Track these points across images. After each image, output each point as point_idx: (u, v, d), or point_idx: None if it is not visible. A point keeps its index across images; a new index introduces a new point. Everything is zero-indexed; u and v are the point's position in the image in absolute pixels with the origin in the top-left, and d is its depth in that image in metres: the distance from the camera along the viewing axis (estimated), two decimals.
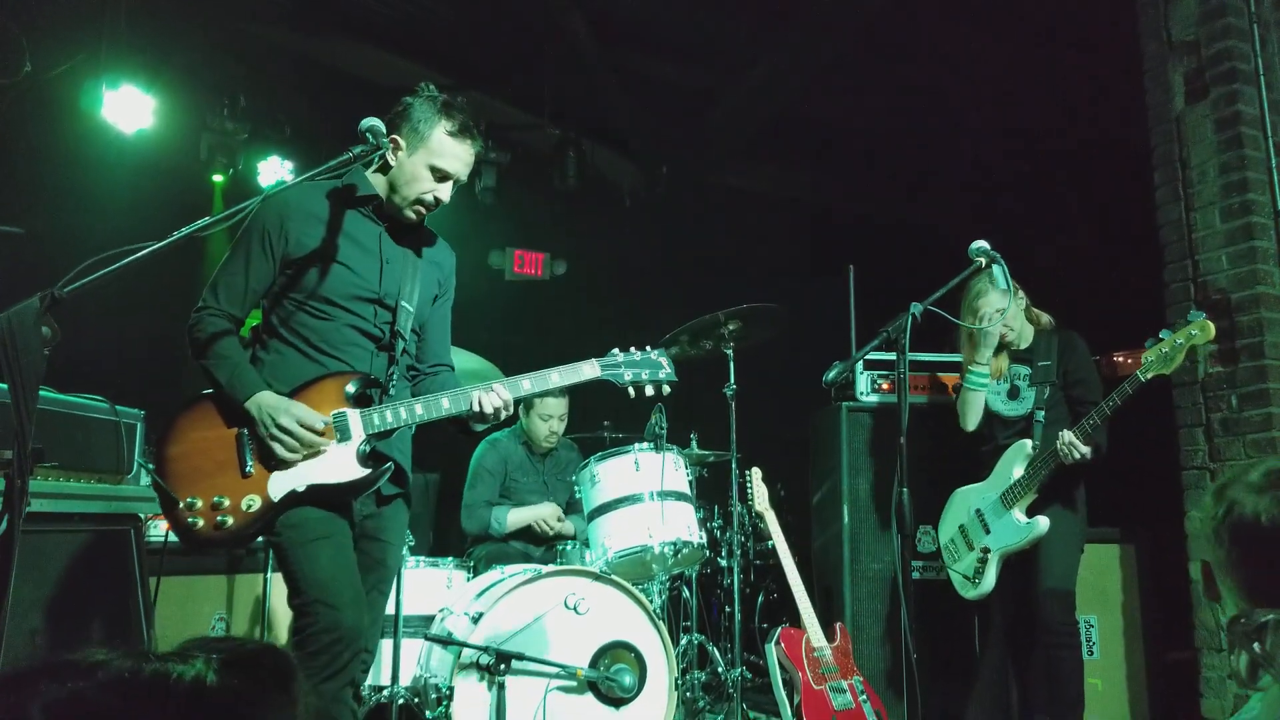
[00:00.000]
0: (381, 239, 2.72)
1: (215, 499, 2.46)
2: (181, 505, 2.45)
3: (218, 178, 6.23)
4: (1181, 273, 4.23)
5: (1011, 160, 6.56)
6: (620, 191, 7.64)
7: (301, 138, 6.35)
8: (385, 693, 3.74)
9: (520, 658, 3.36)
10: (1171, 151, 4.31)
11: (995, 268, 3.30)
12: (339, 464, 2.53)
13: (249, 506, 2.46)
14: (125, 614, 3.29)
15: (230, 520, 2.45)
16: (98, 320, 4.58)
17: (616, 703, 3.56)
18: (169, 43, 5.68)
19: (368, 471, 2.55)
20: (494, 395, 2.62)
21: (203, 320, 2.58)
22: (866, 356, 4.04)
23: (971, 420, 4.16)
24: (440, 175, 2.67)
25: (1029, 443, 3.89)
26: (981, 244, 3.26)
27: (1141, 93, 4.44)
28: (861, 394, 4.87)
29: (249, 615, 4.19)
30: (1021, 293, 4.05)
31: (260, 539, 2.57)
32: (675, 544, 3.86)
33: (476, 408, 2.61)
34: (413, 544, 4.01)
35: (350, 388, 2.58)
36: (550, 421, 4.84)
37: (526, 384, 2.72)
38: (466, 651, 3.40)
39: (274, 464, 2.49)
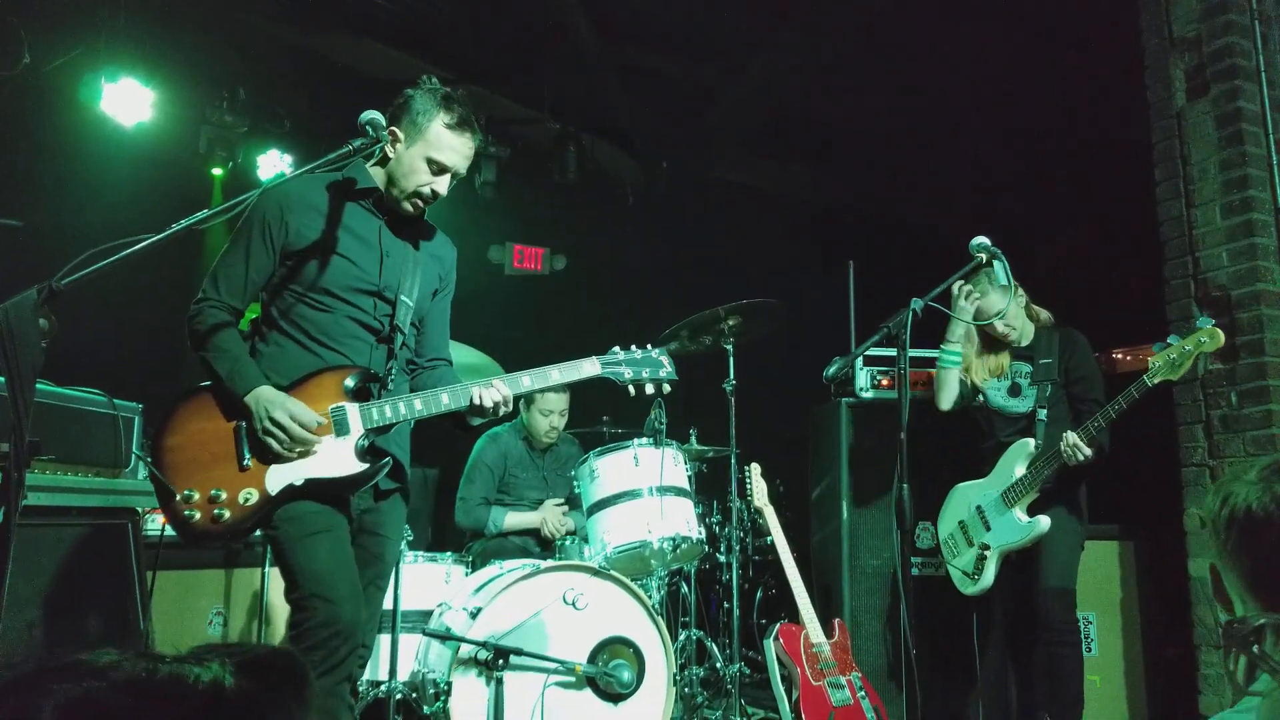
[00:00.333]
0: (381, 232, 2.71)
1: (212, 492, 2.44)
2: (178, 498, 2.43)
3: (217, 171, 6.21)
4: (1182, 269, 4.23)
5: (1011, 156, 6.55)
6: (619, 187, 7.63)
7: (301, 131, 6.34)
8: (383, 688, 3.73)
9: (518, 653, 3.35)
10: (1172, 148, 4.30)
11: (996, 264, 3.30)
12: (337, 458, 2.52)
13: (246, 500, 2.45)
14: (122, 608, 3.28)
15: (227, 513, 2.44)
16: (97, 313, 4.58)
17: (615, 698, 3.56)
18: (168, 36, 5.66)
19: (366, 466, 2.54)
20: (493, 391, 2.62)
21: (203, 312, 2.57)
22: (866, 352, 4.04)
23: (944, 399, 4.15)
24: (438, 168, 2.65)
25: (1031, 441, 3.88)
26: (982, 240, 3.26)
27: (1142, 90, 4.44)
28: (861, 390, 4.86)
29: (247, 610, 4.19)
30: (1021, 290, 4.04)
31: (258, 533, 2.56)
32: (674, 539, 3.85)
33: (476, 402, 2.61)
34: (411, 539, 4.01)
35: (349, 382, 2.57)
36: (551, 417, 4.84)
37: (526, 380, 2.72)
38: (465, 647, 3.39)
39: (271, 457, 2.48)
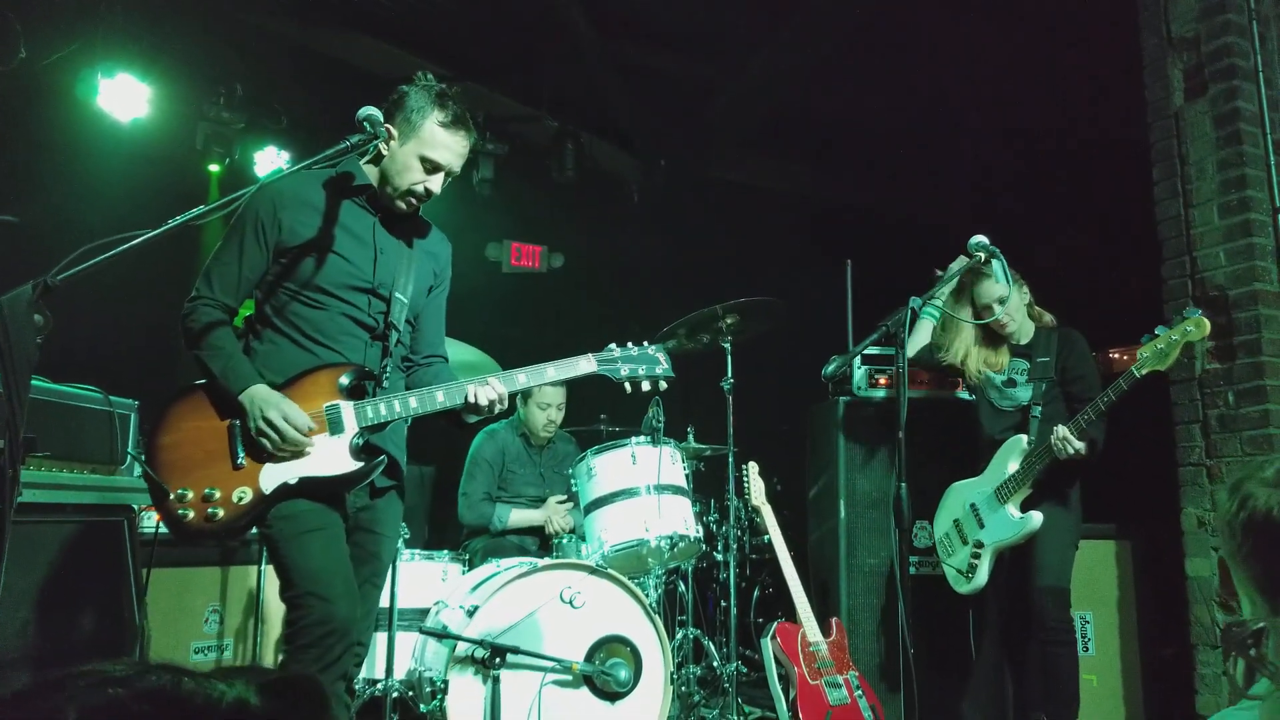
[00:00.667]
0: (376, 229, 2.70)
1: (206, 490, 2.44)
2: (172, 496, 2.43)
3: (214, 167, 6.20)
4: (1179, 269, 4.23)
5: (1009, 155, 6.55)
6: (617, 184, 7.62)
7: (298, 128, 6.32)
8: (380, 686, 3.73)
9: (515, 651, 3.35)
10: (1170, 148, 4.30)
11: (994, 262, 3.31)
12: (332, 457, 2.52)
13: (240, 498, 2.44)
14: (118, 605, 3.27)
15: (221, 512, 2.43)
16: (94, 310, 4.56)
17: (612, 697, 3.56)
18: (165, 31, 5.64)
19: (360, 464, 2.54)
20: (489, 389, 2.61)
21: (196, 310, 2.56)
22: (864, 351, 4.05)
23: (912, 346, 4.11)
24: (431, 167, 2.64)
25: (1024, 437, 3.89)
26: (980, 239, 3.27)
27: (1141, 90, 4.43)
28: (859, 388, 4.86)
29: (243, 607, 4.18)
30: (1026, 288, 4.05)
31: (254, 530, 2.55)
32: (671, 538, 3.85)
33: (471, 400, 2.60)
34: (408, 537, 4.00)
35: (344, 380, 2.56)
36: (548, 410, 4.84)
37: (522, 378, 2.71)
38: (461, 645, 3.39)
39: (266, 456, 2.48)
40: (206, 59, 5.96)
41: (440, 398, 2.60)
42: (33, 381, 1.91)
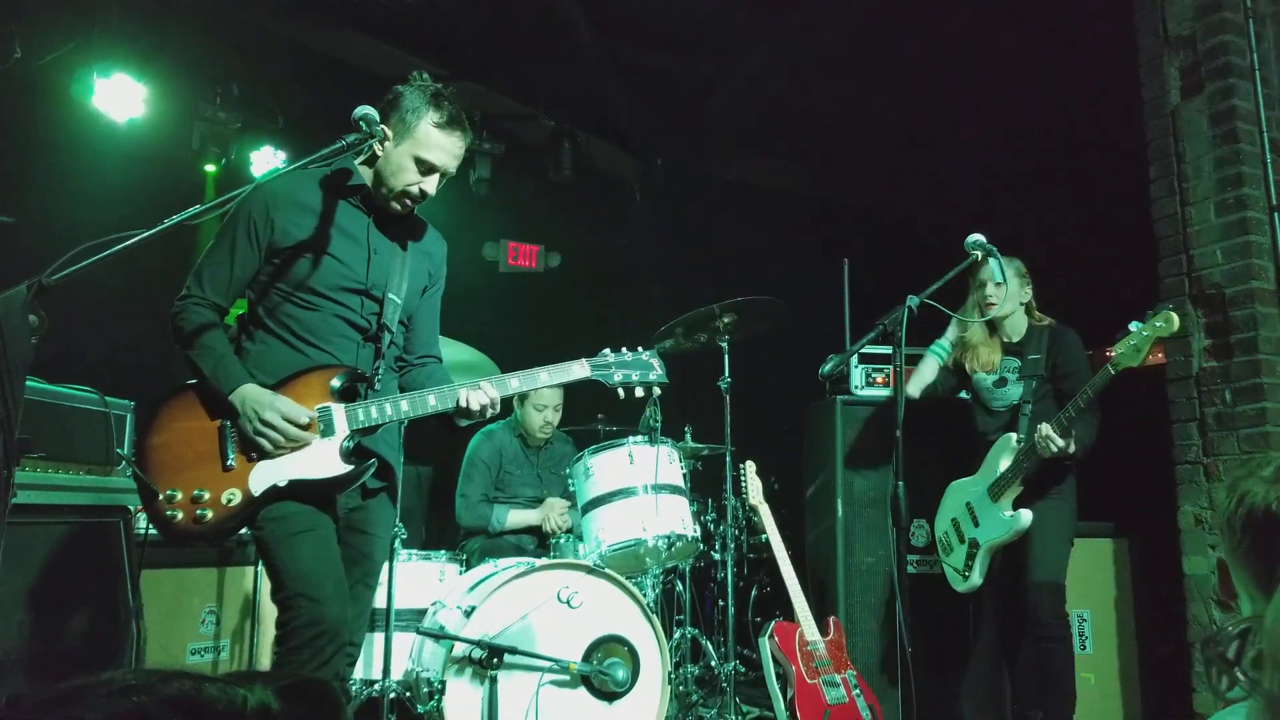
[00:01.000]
0: (369, 229, 2.68)
1: (195, 492, 2.43)
2: (161, 497, 2.42)
3: (210, 168, 6.18)
4: (1176, 267, 4.23)
5: (1007, 154, 6.55)
6: (615, 183, 7.62)
7: (295, 128, 6.31)
8: (377, 687, 3.72)
9: (513, 652, 3.34)
10: (1167, 146, 4.30)
11: (991, 260, 3.31)
12: (322, 459, 2.51)
13: (229, 500, 2.44)
14: (114, 606, 3.27)
15: (209, 514, 2.42)
16: (90, 310, 4.56)
17: (610, 697, 3.55)
18: (161, 30, 5.63)
19: (350, 468, 2.53)
20: (480, 393, 2.60)
21: (187, 310, 2.55)
22: (862, 350, 4.05)
23: (914, 386, 4.22)
24: (426, 168, 2.62)
25: (1014, 435, 3.91)
26: (978, 237, 3.27)
27: (1138, 88, 4.43)
28: (856, 388, 4.86)
29: (239, 608, 4.17)
30: (1029, 288, 4.06)
31: (245, 531, 2.54)
32: (669, 537, 3.85)
33: (463, 405, 2.59)
34: (404, 537, 3.99)
35: (335, 382, 2.55)
36: (545, 412, 4.83)
37: (514, 382, 2.70)
38: (459, 645, 3.38)
39: (255, 457, 2.47)
40: (203, 58, 5.95)
41: (432, 401, 2.59)
42: (28, 382, 1.90)
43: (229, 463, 2.46)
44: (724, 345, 4.37)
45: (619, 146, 7.46)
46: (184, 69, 5.85)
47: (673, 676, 3.82)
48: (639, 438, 4.00)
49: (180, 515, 2.42)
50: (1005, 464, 3.88)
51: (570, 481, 4.18)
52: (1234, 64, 4.09)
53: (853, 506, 4.75)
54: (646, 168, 7.38)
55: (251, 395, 2.45)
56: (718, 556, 4.72)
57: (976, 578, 3.95)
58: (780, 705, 3.95)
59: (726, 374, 4.37)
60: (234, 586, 4.16)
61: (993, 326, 4.11)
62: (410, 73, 2.72)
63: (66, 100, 5.43)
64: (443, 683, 3.38)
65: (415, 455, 5.00)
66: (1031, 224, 6.30)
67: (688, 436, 4.63)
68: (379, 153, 2.61)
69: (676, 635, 4.49)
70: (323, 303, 2.59)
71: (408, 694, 3.71)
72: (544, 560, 3.77)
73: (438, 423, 2.70)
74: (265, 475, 2.47)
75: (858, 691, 3.96)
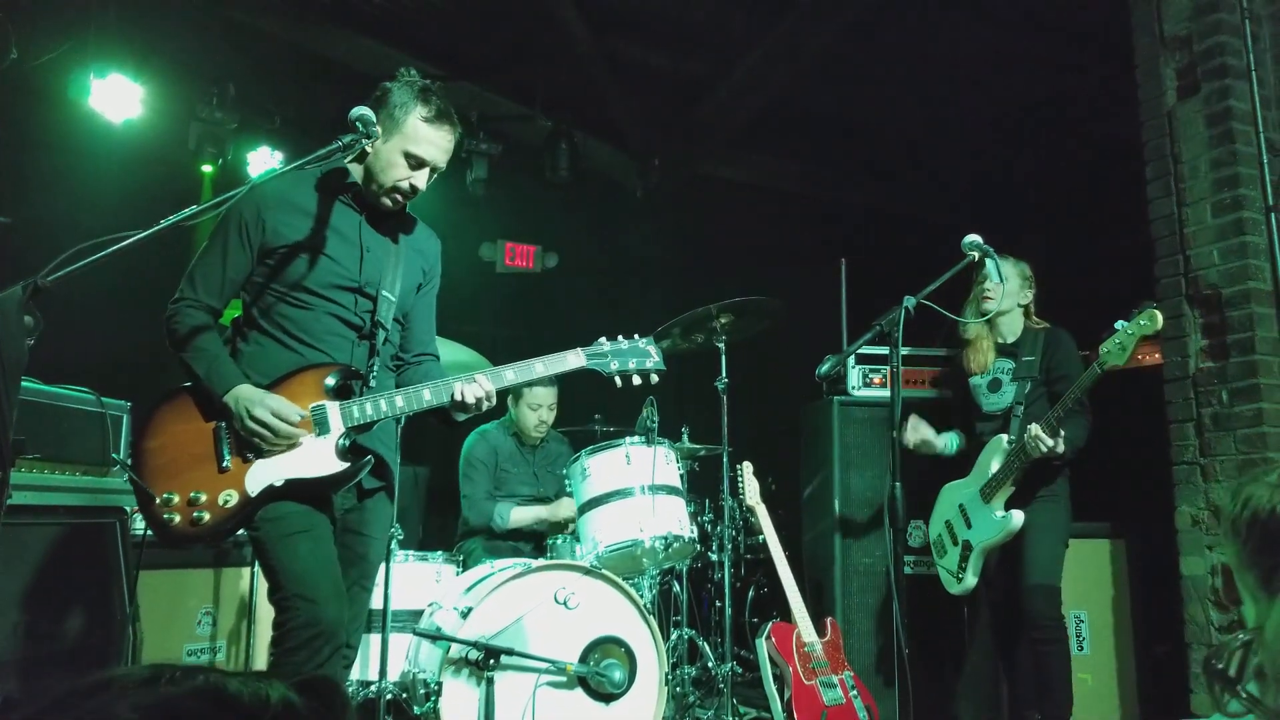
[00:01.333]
0: (361, 227, 2.68)
1: (192, 494, 2.42)
2: (158, 501, 2.41)
3: (207, 168, 6.17)
4: (1173, 268, 4.23)
5: (1005, 153, 6.56)
6: (611, 183, 7.61)
7: (291, 128, 6.30)
8: (373, 688, 3.71)
9: (509, 653, 3.34)
10: (1163, 147, 4.30)
11: (988, 261, 3.32)
12: (317, 458, 2.50)
13: (225, 502, 2.43)
14: (110, 608, 3.26)
15: (206, 516, 2.42)
16: (87, 311, 4.54)
17: (606, 698, 3.55)
18: (158, 31, 5.62)
19: (346, 465, 2.52)
20: (476, 386, 2.59)
21: (180, 312, 2.55)
22: (859, 350, 4.05)
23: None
24: (416, 163, 2.61)
25: (1005, 437, 3.91)
26: (974, 238, 3.27)
27: (1134, 89, 4.44)
28: (853, 388, 4.86)
29: (235, 610, 4.16)
30: (1030, 291, 4.07)
31: (241, 532, 2.54)
32: (666, 538, 3.84)
33: (458, 398, 2.58)
34: (401, 538, 3.98)
35: (330, 380, 2.54)
36: (539, 411, 4.82)
37: (510, 374, 2.69)
38: (455, 647, 3.38)
39: (251, 458, 2.47)
40: (199, 59, 5.94)
41: (427, 396, 2.59)
42: (24, 383, 1.90)
43: (225, 464, 2.46)
44: (721, 346, 4.37)
45: (616, 146, 7.45)
46: (181, 69, 5.84)
47: (670, 677, 3.81)
48: (636, 438, 4.00)
49: (177, 518, 2.42)
50: (996, 465, 3.88)
51: (567, 482, 4.18)
52: (1230, 65, 4.09)
53: (850, 507, 4.75)
54: (643, 167, 7.37)
55: (244, 395, 2.45)
56: (715, 557, 4.71)
57: (970, 580, 3.95)
58: (777, 706, 3.95)
59: (723, 374, 4.36)
60: (230, 588, 4.16)
61: (990, 325, 4.12)
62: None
63: (63, 101, 5.42)
64: (439, 684, 3.38)
65: (412, 456, 4.99)
66: (1027, 224, 6.31)
67: (685, 437, 4.63)
68: (368, 150, 2.60)
69: (674, 636, 4.49)
70: (316, 301, 2.59)
71: (404, 695, 3.70)
72: (541, 561, 3.77)
73: (435, 419, 2.69)
74: (261, 475, 2.46)
75: (855, 692, 3.96)
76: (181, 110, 5.94)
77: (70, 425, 3.31)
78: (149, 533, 3.34)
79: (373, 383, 2.63)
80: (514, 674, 3.42)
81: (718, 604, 4.59)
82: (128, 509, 3.37)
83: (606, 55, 6.49)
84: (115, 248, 1.97)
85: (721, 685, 4.20)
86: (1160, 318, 3.49)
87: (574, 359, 2.76)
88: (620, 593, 3.69)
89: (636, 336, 2.85)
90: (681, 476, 4.17)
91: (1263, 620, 1.27)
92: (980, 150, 6.59)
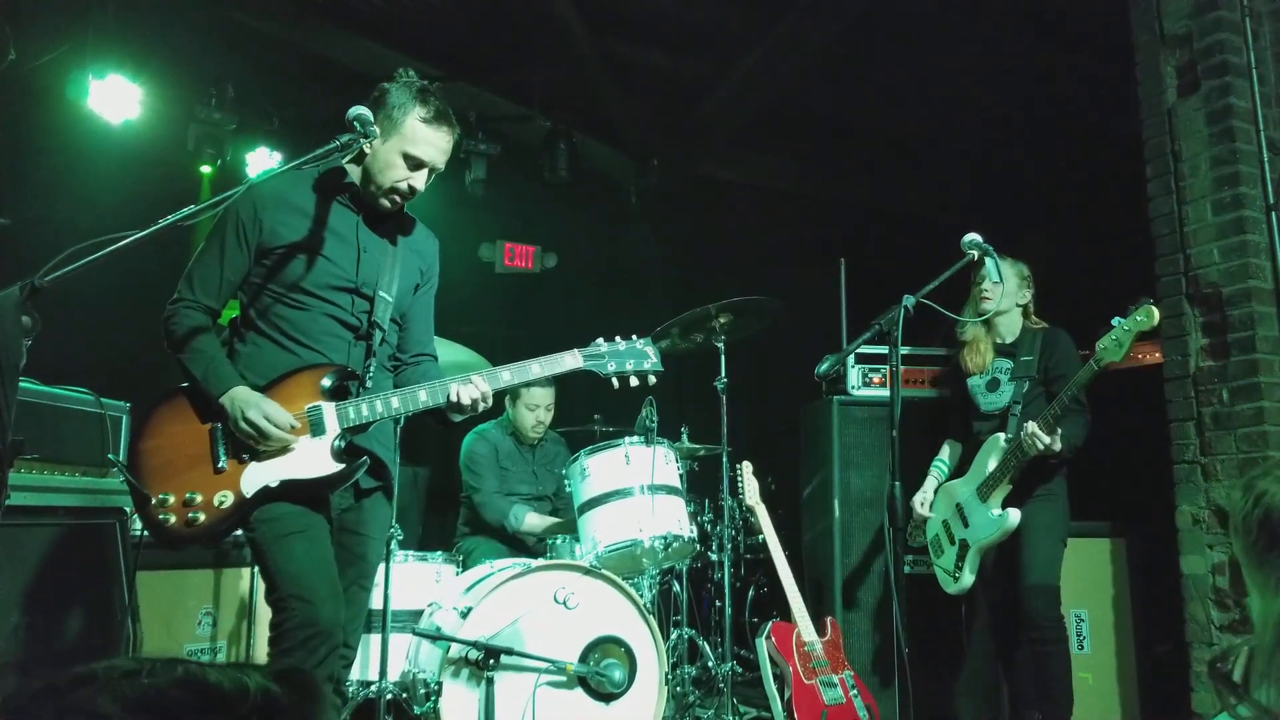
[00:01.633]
0: (359, 227, 2.68)
1: (187, 495, 2.42)
2: (153, 501, 2.41)
3: (205, 169, 6.17)
4: (1173, 266, 4.22)
5: (1005, 152, 6.55)
6: (610, 183, 7.61)
7: (290, 128, 6.30)
8: (373, 688, 3.71)
9: (509, 652, 3.33)
10: (1163, 145, 4.30)
11: (988, 260, 3.31)
12: (313, 459, 2.50)
13: (221, 503, 2.43)
14: (110, 608, 3.26)
15: (202, 516, 2.42)
16: (87, 312, 4.54)
17: (606, 698, 3.55)
18: (156, 32, 5.62)
19: (342, 467, 2.52)
20: (472, 387, 2.59)
21: (178, 313, 2.55)
22: (858, 350, 4.05)
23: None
24: (414, 163, 2.61)
25: (1002, 436, 3.91)
26: (974, 237, 3.27)
27: (1134, 86, 4.43)
28: (853, 388, 4.86)
29: (235, 610, 4.16)
30: (1027, 291, 4.06)
31: (239, 532, 2.54)
32: (666, 538, 3.84)
33: (454, 399, 2.58)
34: (401, 538, 3.98)
35: (326, 381, 2.54)
36: (537, 411, 4.82)
37: (506, 375, 2.69)
38: (455, 647, 3.38)
39: (247, 459, 2.47)
40: (198, 60, 5.93)
41: (423, 397, 2.59)
42: (23, 384, 1.90)
43: (220, 465, 2.46)
44: (720, 345, 4.37)
45: (615, 147, 7.45)
46: (179, 70, 5.83)
47: (670, 677, 3.81)
48: (635, 438, 4.00)
49: (173, 519, 2.41)
50: (993, 464, 3.87)
51: (567, 482, 4.17)
52: (1230, 62, 4.09)
53: (849, 507, 4.75)
54: (642, 167, 7.36)
55: (240, 397, 2.45)
56: (715, 557, 4.71)
57: (967, 579, 3.94)
58: (777, 706, 3.94)
59: (723, 374, 4.36)
60: (230, 588, 4.15)
61: (988, 325, 4.12)
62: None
63: (61, 102, 5.41)
64: (439, 684, 3.37)
65: (412, 456, 4.99)
66: (1028, 223, 6.30)
67: (684, 437, 4.63)
68: (367, 150, 2.60)
69: (673, 636, 4.48)
70: (313, 302, 2.59)
71: (404, 695, 3.70)
72: (540, 561, 3.77)
73: (432, 420, 2.69)
74: (257, 476, 2.46)
75: (855, 692, 3.95)
76: (180, 111, 5.94)
77: (69, 426, 3.31)
78: (146, 533, 3.35)
79: (369, 384, 2.63)
80: (514, 674, 3.42)
81: (718, 604, 4.58)
82: (127, 510, 3.36)
83: (605, 55, 6.49)
84: (112, 248, 1.97)
85: (721, 685, 4.20)
86: (1157, 314, 3.48)
87: (571, 360, 2.76)
88: (620, 592, 3.68)
89: (634, 337, 2.85)
90: (681, 476, 4.17)
91: (1269, 616, 1.27)
92: (980, 149, 6.59)
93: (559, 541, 4.15)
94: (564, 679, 3.50)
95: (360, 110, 2.43)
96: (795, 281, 5.52)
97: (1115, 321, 3.53)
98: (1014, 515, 3.78)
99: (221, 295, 2.59)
